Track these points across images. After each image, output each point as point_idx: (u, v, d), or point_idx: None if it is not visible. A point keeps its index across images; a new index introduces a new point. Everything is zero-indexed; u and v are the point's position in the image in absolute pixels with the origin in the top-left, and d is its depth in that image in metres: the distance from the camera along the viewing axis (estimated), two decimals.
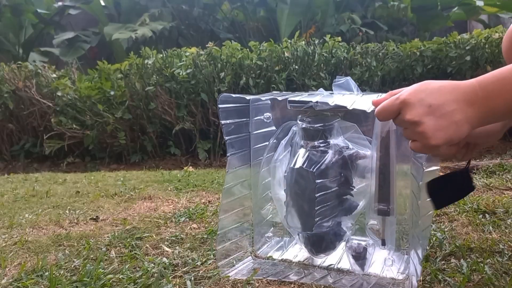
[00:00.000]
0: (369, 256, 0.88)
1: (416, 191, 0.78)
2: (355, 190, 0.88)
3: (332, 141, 0.87)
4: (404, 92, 0.69)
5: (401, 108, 0.68)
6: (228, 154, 0.93)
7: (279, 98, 0.87)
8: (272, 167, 0.95)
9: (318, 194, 0.84)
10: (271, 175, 0.96)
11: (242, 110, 0.95)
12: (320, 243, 0.91)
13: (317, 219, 0.85)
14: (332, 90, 0.91)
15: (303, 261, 0.96)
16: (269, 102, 0.96)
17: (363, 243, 0.88)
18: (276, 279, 0.87)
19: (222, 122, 0.92)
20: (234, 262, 0.96)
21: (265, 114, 0.97)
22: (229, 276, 0.90)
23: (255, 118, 0.97)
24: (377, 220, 0.85)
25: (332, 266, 0.92)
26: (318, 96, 0.84)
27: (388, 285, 0.83)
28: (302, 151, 0.88)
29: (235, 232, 0.98)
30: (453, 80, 0.70)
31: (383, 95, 0.75)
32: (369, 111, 0.75)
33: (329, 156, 0.86)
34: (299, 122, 0.89)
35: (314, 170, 0.84)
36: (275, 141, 0.96)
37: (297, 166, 0.86)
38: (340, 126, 0.89)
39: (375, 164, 0.83)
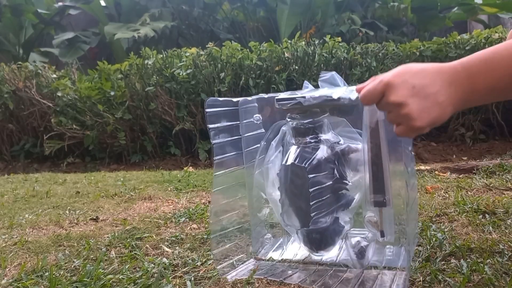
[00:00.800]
0: (369, 251, 0.88)
1: (406, 179, 0.79)
2: (349, 184, 0.89)
3: (323, 136, 0.88)
4: (387, 75, 0.69)
5: (385, 90, 0.69)
6: (215, 159, 0.93)
7: (265, 96, 0.87)
8: (265, 168, 0.96)
9: (312, 189, 0.84)
10: (264, 176, 0.96)
11: (230, 114, 0.95)
12: (319, 239, 0.91)
13: (313, 214, 0.85)
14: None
15: (303, 259, 0.96)
16: (256, 104, 0.97)
17: (364, 243, 0.87)
18: (277, 280, 0.87)
19: (210, 126, 0.92)
20: (234, 263, 0.96)
21: (254, 116, 0.97)
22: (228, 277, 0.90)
23: (245, 121, 0.97)
24: (374, 211, 0.84)
25: (332, 262, 0.92)
26: (304, 92, 0.85)
27: (387, 280, 0.83)
28: (293, 149, 0.88)
29: (232, 234, 0.98)
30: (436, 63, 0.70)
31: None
32: (354, 98, 0.76)
33: (321, 152, 0.86)
34: (289, 121, 0.89)
35: (306, 165, 0.84)
36: (264, 143, 0.96)
37: (288, 162, 0.87)
38: (330, 121, 0.89)
39: (367, 156, 0.83)
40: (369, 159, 0.82)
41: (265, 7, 5.65)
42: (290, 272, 0.91)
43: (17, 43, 5.82)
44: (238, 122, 0.97)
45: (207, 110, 0.92)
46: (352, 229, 0.91)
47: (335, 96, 0.78)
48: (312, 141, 0.87)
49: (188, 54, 3.29)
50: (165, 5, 6.05)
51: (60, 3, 6.03)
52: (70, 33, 5.73)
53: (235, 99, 0.93)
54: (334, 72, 0.90)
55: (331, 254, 0.94)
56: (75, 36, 5.65)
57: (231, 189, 0.97)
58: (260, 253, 1.02)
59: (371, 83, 0.71)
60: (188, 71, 3.14)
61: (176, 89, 3.16)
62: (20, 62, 3.69)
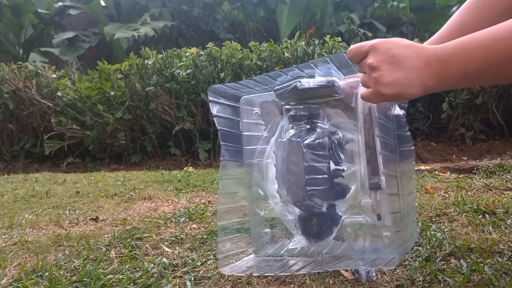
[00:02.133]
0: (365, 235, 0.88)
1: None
2: (345, 171, 0.89)
3: (320, 124, 0.88)
4: (377, 39, 0.73)
5: (368, 51, 0.72)
6: (222, 143, 0.93)
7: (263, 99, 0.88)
8: (264, 164, 0.95)
9: (307, 164, 0.84)
10: (264, 173, 0.96)
11: (234, 103, 0.96)
12: (317, 228, 0.91)
13: (309, 188, 0.85)
14: None
15: (301, 258, 0.96)
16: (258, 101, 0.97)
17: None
18: (276, 273, 0.87)
19: (214, 113, 0.93)
20: (234, 261, 0.96)
21: (254, 113, 0.97)
22: (227, 274, 0.90)
23: (245, 120, 0.97)
24: (370, 196, 0.85)
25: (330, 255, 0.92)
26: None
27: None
28: (290, 130, 0.89)
29: (235, 231, 0.98)
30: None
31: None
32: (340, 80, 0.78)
33: (317, 134, 0.87)
34: (287, 107, 0.89)
35: (301, 140, 0.85)
36: (267, 135, 0.96)
37: (284, 139, 0.88)
38: (327, 112, 0.90)
39: (361, 141, 0.84)
40: (362, 143, 0.84)
41: (265, 7, 5.65)
42: (289, 264, 0.90)
43: (17, 43, 5.83)
44: (239, 119, 0.97)
45: (210, 98, 0.92)
46: (348, 216, 0.91)
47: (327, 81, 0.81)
48: (308, 126, 0.88)
49: (188, 54, 3.29)
50: (165, 5, 6.06)
51: (60, 3, 6.03)
52: (70, 33, 5.73)
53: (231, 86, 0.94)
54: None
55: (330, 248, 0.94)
56: (75, 35, 5.66)
57: (233, 184, 0.97)
58: (260, 252, 1.02)
59: (361, 42, 0.74)
60: (188, 71, 3.14)
61: (176, 89, 3.16)
62: (20, 62, 3.69)
